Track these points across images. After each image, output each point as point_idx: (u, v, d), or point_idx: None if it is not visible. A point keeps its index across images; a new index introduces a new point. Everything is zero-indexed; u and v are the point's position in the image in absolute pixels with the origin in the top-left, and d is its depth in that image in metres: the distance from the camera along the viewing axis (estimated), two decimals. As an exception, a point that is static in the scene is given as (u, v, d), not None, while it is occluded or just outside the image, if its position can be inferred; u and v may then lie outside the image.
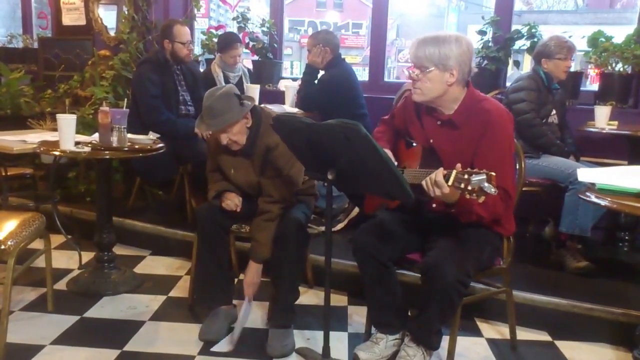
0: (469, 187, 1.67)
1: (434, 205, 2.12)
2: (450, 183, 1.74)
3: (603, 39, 3.76)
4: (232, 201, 2.56)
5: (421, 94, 2.09)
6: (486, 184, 1.63)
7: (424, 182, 1.83)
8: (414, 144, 2.29)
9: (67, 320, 2.68)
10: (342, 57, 3.95)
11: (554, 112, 3.34)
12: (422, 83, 2.06)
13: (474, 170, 1.68)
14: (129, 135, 2.83)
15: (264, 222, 2.50)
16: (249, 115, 2.50)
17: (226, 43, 4.13)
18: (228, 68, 4.14)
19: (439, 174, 1.79)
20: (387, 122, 2.44)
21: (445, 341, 2.22)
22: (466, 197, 1.72)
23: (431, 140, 2.17)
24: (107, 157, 2.79)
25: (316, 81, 3.86)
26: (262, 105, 2.87)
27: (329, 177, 1.93)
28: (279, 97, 4.16)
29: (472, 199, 1.70)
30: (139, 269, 3.41)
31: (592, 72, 4.58)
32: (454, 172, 1.73)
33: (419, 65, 2.05)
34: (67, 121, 2.69)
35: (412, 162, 2.23)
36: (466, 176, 1.68)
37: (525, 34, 3.95)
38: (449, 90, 2.07)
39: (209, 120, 2.44)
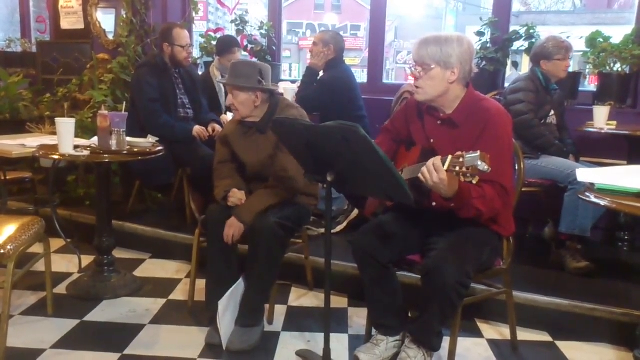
0: (464, 168, 1.69)
1: (434, 203, 2.13)
2: (446, 167, 1.76)
3: (601, 40, 3.77)
4: (235, 196, 2.58)
5: (423, 93, 2.12)
6: (479, 162, 1.66)
7: (420, 173, 1.84)
8: (414, 146, 2.30)
9: (67, 324, 2.67)
10: (343, 59, 3.96)
11: (552, 112, 3.34)
12: (424, 81, 2.09)
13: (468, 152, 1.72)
14: (128, 139, 2.83)
15: (265, 193, 2.55)
16: (260, 95, 2.59)
17: (224, 47, 4.14)
18: (226, 71, 4.14)
19: (436, 158, 1.81)
20: (387, 129, 2.45)
21: (446, 342, 2.22)
22: (462, 180, 1.74)
23: (432, 140, 2.18)
24: (107, 160, 2.79)
25: (315, 83, 3.86)
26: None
27: (328, 179, 1.93)
28: (278, 100, 4.16)
29: (468, 183, 1.72)
30: (139, 272, 3.41)
31: (591, 72, 4.58)
32: (449, 156, 1.76)
33: (421, 64, 2.08)
34: (66, 125, 2.69)
35: (412, 162, 2.23)
36: (461, 159, 1.71)
37: (524, 34, 3.95)
38: (450, 89, 2.10)
39: (228, 77, 2.60)
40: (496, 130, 2.05)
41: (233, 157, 2.75)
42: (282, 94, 2.73)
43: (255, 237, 2.48)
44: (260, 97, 2.59)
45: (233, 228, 2.53)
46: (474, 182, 1.72)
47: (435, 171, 1.80)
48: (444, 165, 1.77)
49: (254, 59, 4.79)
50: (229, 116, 3.84)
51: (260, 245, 2.46)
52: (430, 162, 1.82)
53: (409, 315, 2.38)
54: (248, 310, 2.52)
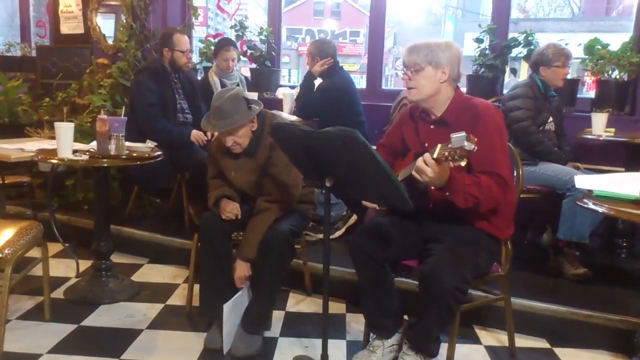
0: (452, 149, 1.73)
1: (430, 205, 2.14)
2: (436, 155, 1.80)
3: (599, 47, 3.78)
4: (232, 212, 2.57)
5: (417, 93, 2.17)
6: (465, 142, 1.69)
7: (413, 170, 1.88)
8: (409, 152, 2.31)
9: (64, 329, 2.67)
10: (340, 65, 3.96)
11: (550, 119, 3.35)
12: (417, 81, 2.16)
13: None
14: (127, 143, 2.83)
15: (258, 221, 2.52)
16: (255, 119, 2.54)
17: (219, 46, 4.16)
18: (225, 75, 4.15)
19: (426, 155, 1.85)
20: (382, 144, 2.48)
21: (443, 348, 2.21)
22: (451, 165, 1.78)
23: (426, 144, 2.21)
24: (105, 165, 2.79)
25: (315, 89, 3.87)
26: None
27: (327, 184, 1.93)
28: (277, 105, 4.17)
29: (458, 166, 1.77)
30: (137, 277, 3.40)
31: (589, 79, 4.59)
32: (438, 145, 1.80)
33: (413, 65, 2.16)
34: (65, 129, 2.69)
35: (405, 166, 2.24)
36: (449, 145, 1.75)
37: (522, 41, 3.97)
38: (442, 89, 2.17)
39: (216, 121, 2.48)
40: (485, 123, 2.10)
41: (222, 175, 2.73)
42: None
43: (268, 246, 2.46)
44: (255, 120, 2.55)
45: (242, 270, 2.53)
46: (462, 164, 1.75)
47: (427, 166, 1.84)
48: (434, 153, 1.81)
49: (253, 65, 4.80)
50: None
51: (273, 254, 2.45)
52: (420, 159, 1.86)
53: (405, 318, 2.38)
54: (256, 317, 2.52)
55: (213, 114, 2.50)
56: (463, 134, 1.70)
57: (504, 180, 2.06)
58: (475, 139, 1.71)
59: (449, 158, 1.75)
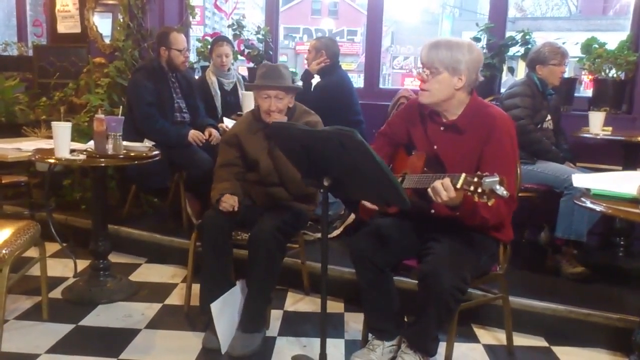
0: (479, 190, 1.69)
1: (432, 211, 2.13)
2: (458, 186, 1.76)
3: (596, 46, 3.79)
4: (227, 202, 2.57)
5: (430, 96, 2.11)
6: (498, 187, 1.66)
7: (430, 190, 1.85)
8: (415, 151, 2.29)
9: (62, 329, 2.66)
10: (340, 64, 3.96)
11: (548, 117, 3.36)
12: (431, 84, 2.09)
13: (485, 173, 1.70)
14: (124, 143, 2.83)
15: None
16: (293, 99, 2.64)
17: (212, 43, 4.17)
18: (222, 74, 4.15)
19: (446, 180, 1.81)
20: (384, 133, 2.45)
21: (442, 347, 2.22)
22: (475, 200, 1.73)
23: (435, 147, 2.18)
24: (103, 164, 2.78)
25: (312, 88, 3.87)
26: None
27: (325, 183, 1.93)
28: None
29: (481, 202, 1.71)
30: (135, 276, 3.40)
31: (586, 78, 4.60)
32: (463, 175, 1.75)
33: (430, 66, 2.08)
34: (62, 129, 2.69)
35: (415, 169, 2.22)
36: (476, 179, 1.70)
37: (519, 40, 3.98)
38: (456, 95, 2.10)
39: (271, 79, 2.55)
40: (501, 138, 2.05)
41: (243, 157, 2.73)
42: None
43: (255, 242, 2.47)
44: (293, 99, 2.63)
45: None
46: (490, 203, 1.70)
47: (444, 191, 1.81)
48: (457, 183, 1.77)
49: (251, 64, 4.80)
50: (227, 122, 3.83)
51: (260, 250, 2.45)
52: (438, 182, 1.82)
53: (405, 320, 2.38)
54: (251, 315, 2.52)
55: (268, 72, 2.57)
56: (497, 177, 1.66)
57: (513, 199, 2.03)
58: (506, 180, 1.67)
59: (475, 193, 1.70)
